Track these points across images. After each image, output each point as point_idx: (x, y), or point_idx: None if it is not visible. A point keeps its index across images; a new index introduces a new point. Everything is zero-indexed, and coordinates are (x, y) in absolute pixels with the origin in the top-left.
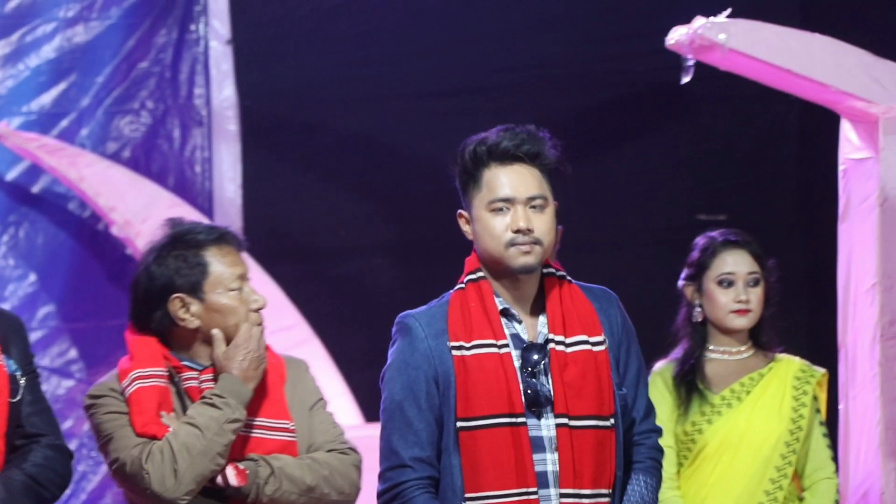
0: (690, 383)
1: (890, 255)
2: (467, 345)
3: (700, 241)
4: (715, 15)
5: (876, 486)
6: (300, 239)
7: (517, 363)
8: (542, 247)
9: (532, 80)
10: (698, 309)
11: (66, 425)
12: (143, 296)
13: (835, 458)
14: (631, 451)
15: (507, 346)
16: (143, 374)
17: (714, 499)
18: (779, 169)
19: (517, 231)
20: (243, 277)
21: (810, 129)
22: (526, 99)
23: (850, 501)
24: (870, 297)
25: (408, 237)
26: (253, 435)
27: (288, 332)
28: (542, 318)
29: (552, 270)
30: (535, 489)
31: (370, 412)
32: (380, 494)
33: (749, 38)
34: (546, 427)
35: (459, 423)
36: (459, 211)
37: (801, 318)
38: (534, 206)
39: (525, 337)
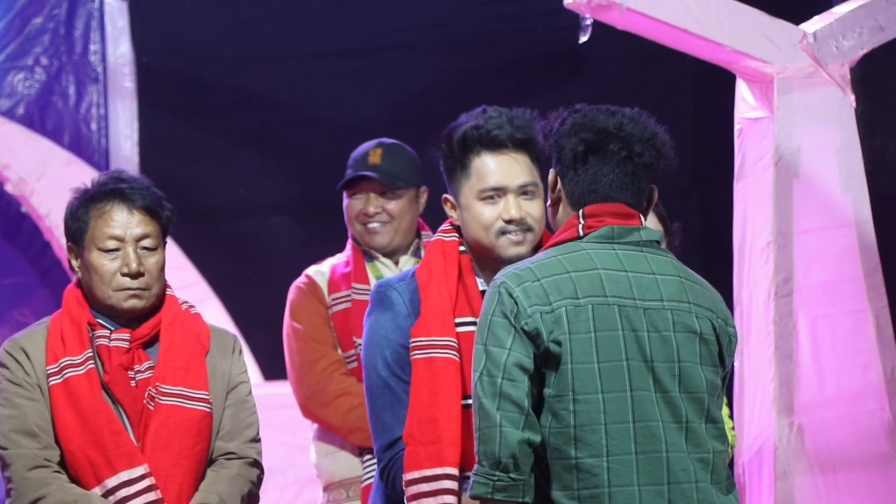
0: None
1: (784, 213)
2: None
3: None
4: None
5: (769, 442)
6: (198, 197)
7: None
8: (534, 233)
9: (430, 39)
10: None
11: None
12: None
13: (731, 416)
14: None
15: None
16: (74, 362)
17: None
18: (675, 128)
19: (509, 221)
20: (122, 239)
21: (706, 88)
22: (424, 58)
23: (744, 456)
24: (764, 256)
25: (306, 196)
26: (172, 403)
27: (186, 290)
28: None
29: None
30: None
31: (269, 371)
32: (381, 473)
33: None
34: None
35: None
36: (445, 196)
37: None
38: (525, 193)
39: None
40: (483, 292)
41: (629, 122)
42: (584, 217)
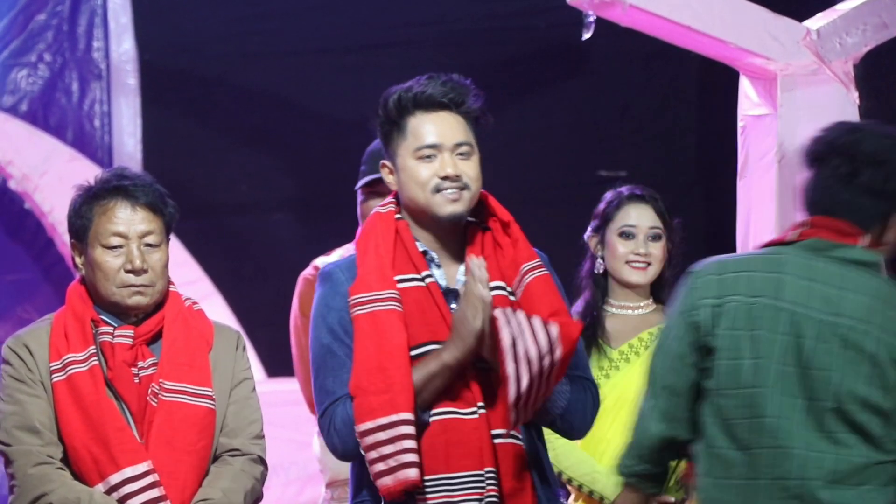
0: (590, 337)
1: (787, 210)
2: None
3: (608, 194)
4: None
5: None
6: (201, 194)
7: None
8: (471, 192)
9: (432, 35)
10: (600, 261)
11: None
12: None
13: None
14: None
15: (430, 277)
16: (77, 359)
17: (612, 454)
18: (678, 125)
19: (444, 178)
20: (125, 236)
21: (710, 85)
22: (426, 55)
23: None
24: None
25: (308, 192)
26: (176, 400)
27: (190, 287)
28: (462, 267)
29: (476, 221)
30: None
31: (272, 367)
32: (324, 434)
33: None
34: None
35: None
36: (382, 161)
37: None
38: (461, 154)
39: (443, 283)
40: (424, 252)
41: (869, 143)
42: (805, 225)
